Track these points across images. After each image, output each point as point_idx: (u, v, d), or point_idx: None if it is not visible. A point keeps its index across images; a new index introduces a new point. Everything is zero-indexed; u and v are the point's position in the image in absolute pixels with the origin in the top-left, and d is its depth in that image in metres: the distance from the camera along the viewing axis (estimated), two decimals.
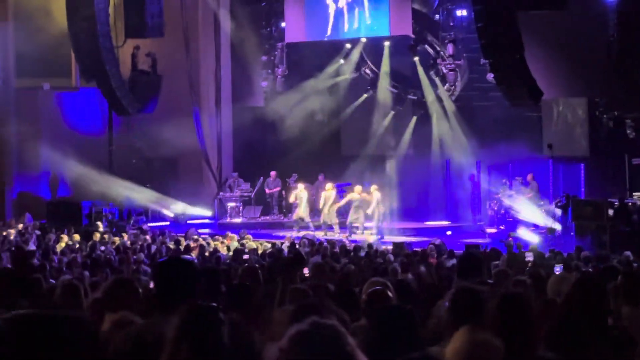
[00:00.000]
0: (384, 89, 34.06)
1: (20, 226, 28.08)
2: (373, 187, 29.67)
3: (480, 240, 26.59)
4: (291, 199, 31.29)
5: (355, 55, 34.26)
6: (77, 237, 25.00)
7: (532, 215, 28.59)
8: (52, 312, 3.29)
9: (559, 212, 27.27)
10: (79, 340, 3.20)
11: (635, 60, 25.00)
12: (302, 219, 30.29)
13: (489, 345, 4.28)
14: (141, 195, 32.68)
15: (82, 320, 3.33)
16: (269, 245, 24.07)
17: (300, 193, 30.63)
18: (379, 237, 28.32)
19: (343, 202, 29.98)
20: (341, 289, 9.37)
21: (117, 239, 24.85)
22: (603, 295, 5.57)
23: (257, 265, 13.21)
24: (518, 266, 15.54)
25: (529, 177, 29.66)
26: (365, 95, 34.88)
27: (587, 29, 28.13)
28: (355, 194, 29.45)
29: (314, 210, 31.38)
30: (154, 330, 5.19)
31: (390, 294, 7.56)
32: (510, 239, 24.48)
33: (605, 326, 5.39)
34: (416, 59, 32.20)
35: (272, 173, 33.41)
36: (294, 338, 3.43)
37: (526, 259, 19.09)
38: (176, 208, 33.48)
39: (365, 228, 29.39)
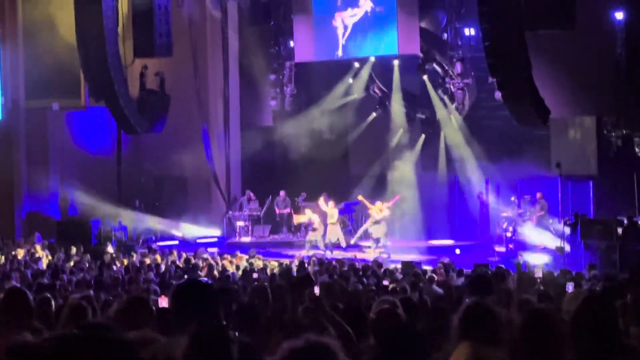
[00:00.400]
0: (398, 107, 33.98)
1: (29, 246, 28.14)
2: (385, 205, 29.83)
3: (490, 259, 26.59)
4: (302, 220, 31.32)
5: (364, 74, 34.25)
6: (86, 256, 25.03)
7: (540, 235, 28.53)
8: (97, 334, 3.31)
9: (567, 230, 27.21)
10: None
11: None
12: (313, 240, 30.36)
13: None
14: (150, 223, 32.81)
15: (126, 343, 3.35)
16: (276, 264, 24.05)
17: (312, 217, 30.65)
18: (387, 255, 28.33)
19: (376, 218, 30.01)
20: (350, 308, 9.39)
21: (125, 260, 24.84)
22: (611, 313, 5.56)
23: (266, 284, 13.21)
24: (527, 285, 15.51)
25: (538, 195, 29.58)
26: (374, 115, 34.89)
27: (595, 48, 28.15)
28: (377, 209, 29.61)
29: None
30: (166, 350, 5.21)
31: (400, 313, 7.56)
32: (520, 257, 24.46)
33: (615, 344, 5.38)
34: (425, 77, 32.20)
35: (282, 193, 33.42)
36: (287, 354, 3.42)
37: (535, 277, 19.02)
38: (185, 227, 33.56)
39: (377, 247, 29.50)
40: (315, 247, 30.00)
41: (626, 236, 24.67)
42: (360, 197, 30.80)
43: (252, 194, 33.98)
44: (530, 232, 28.99)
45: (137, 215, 32.70)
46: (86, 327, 5.64)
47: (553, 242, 27.84)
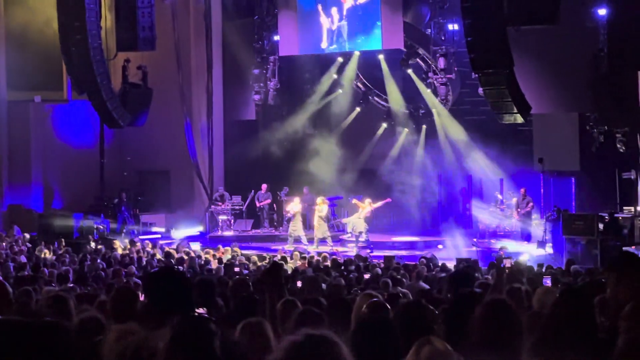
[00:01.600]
0: (396, 99, 33.86)
1: (10, 239, 28.06)
2: (372, 204, 29.80)
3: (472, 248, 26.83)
4: (288, 209, 31.23)
5: (347, 68, 34.35)
6: (66, 250, 25.02)
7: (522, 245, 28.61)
8: (27, 319, 3.35)
9: (549, 226, 27.35)
10: (54, 347, 3.25)
11: (625, 74, 25.12)
12: (294, 233, 30.37)
13: (448, 355, 4.36)
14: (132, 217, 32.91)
15: (59, 328, 3.38)
16: (257, 258, 24.12)
17: (294, 207, 30.65)
18: (370, 250, 28.39)
19: (363, 214, 29.88)
20: (332, 300, 9.46)
21: (107, 254, 24.80)
22: (588, 307, 5.64)
23: (247, 277, 13.28)
24: (509, 279, 15.59)
25: (522, 191, 29.62)
26: (357, 110, 34.98)
27: (578, 44, 28.22)
28: (367, 206, 29.63)
29: (305, 224, 31.61)
30: (149, 344, 5.25)
31: (388, 307, 7.65)
32: (502, 252, 24.55)
33: (590, 339, 5.46)
34: (410, 71, 32.20)
35: (263, 186, 33.39)
36: (288, 350, 3.46)
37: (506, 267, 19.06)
38: (167, 221, 33.59)
39: (358, 242, 29.55)
40: (299, 241, 30.05)
41: (607, 232, 24.81)
42: (354, 201, 30.69)
43: (226, 193, 33.84)
44: (513, 227, 29.16)
45: (120, 208, 32.70)
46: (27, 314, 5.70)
47: (534, 237, 28.00)
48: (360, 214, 29.67)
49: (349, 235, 30.36)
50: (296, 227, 30.42)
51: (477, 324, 5.22)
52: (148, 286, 6.36)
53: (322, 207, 30.13)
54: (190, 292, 5.98)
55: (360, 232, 29.43)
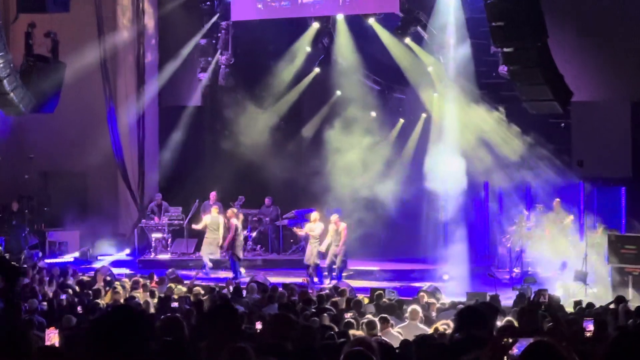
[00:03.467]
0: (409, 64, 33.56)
1: None
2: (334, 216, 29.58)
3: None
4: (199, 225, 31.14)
5: (324, 38, 34.14)
6: None
7: (556, 255, 28.55)
8: None
9: (591, 250, 27.30)
10: None
11: None
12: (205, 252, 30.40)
13: None
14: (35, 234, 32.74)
15: None
16: (203, 291, 23.93)
17: (212, 218, 30.56)
18: (336, 281, 28.12)
19: (303, 232, 29.86)
20: (301, 347, 9.29)
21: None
22: None
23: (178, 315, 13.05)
24: (531, 320, 15.51)
25: (555, 203, 29.52)
26: (338, 93, 34.70)
27: (633, 11, 28.24)
28: (332, 224, 29.38)
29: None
30: None
31: (374, 357, 7.50)
32: (527, 285, 24.51)
33: None
34: (408, 40, 31.94)
35: (212, 194, 33.18)
36: None
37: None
38: (83, 239, 33.40)
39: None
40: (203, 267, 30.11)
41: None
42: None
43: (164, 202, 33.73)
44: (543, 252, 29.07)
45: (17, 222, 32.48)
46: None
47: (571, 265, 27.94)
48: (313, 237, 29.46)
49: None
50: (203, 246, 30.46)
51: None
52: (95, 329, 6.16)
53: (234, 220, 30.01)
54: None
55: (308, 265, 29.30)
